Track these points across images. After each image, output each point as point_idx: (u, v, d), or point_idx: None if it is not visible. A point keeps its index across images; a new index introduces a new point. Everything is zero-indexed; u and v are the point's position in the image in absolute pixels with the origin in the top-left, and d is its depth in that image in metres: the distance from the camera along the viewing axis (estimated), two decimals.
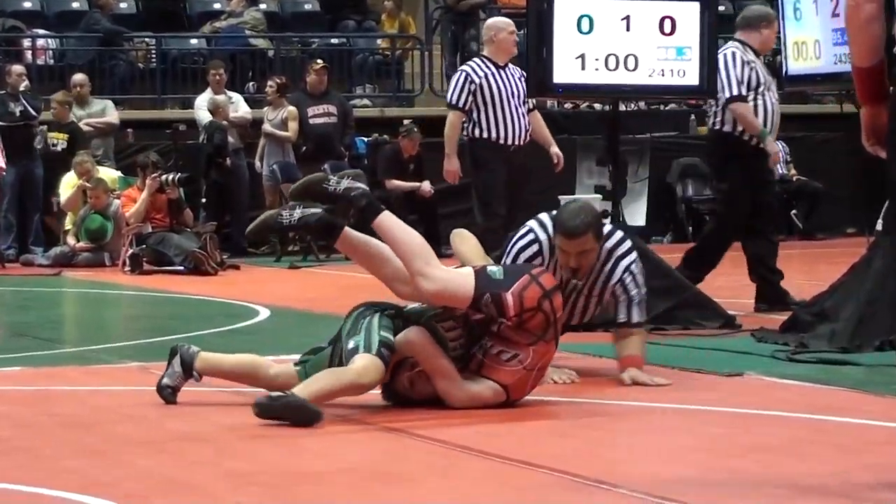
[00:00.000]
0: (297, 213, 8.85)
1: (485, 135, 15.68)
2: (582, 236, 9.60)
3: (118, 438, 8.55)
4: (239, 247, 22.44)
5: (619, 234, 10.21)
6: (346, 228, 9.18)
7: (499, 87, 15.51)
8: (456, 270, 9.11)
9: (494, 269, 9.17)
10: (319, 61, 24.28)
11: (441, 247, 20.71)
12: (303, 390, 8.88)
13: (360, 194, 8.98)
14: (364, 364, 8.96)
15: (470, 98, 15.54)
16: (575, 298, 10.02)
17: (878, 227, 12.79)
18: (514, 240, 10.23)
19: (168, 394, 9.33)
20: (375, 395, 9.32)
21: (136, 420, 9.26)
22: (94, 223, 21.09)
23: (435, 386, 9.00)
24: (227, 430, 8.80)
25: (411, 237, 9.15)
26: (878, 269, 11.54)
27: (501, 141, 15.61)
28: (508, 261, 10.09)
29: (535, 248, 10.03)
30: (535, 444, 8.55)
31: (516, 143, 15.64)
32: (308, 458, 8.09)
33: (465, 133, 16.16)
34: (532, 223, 10.20)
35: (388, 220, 9.09)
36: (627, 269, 10.02)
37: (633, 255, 10.13)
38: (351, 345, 9.10)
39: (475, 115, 15.68)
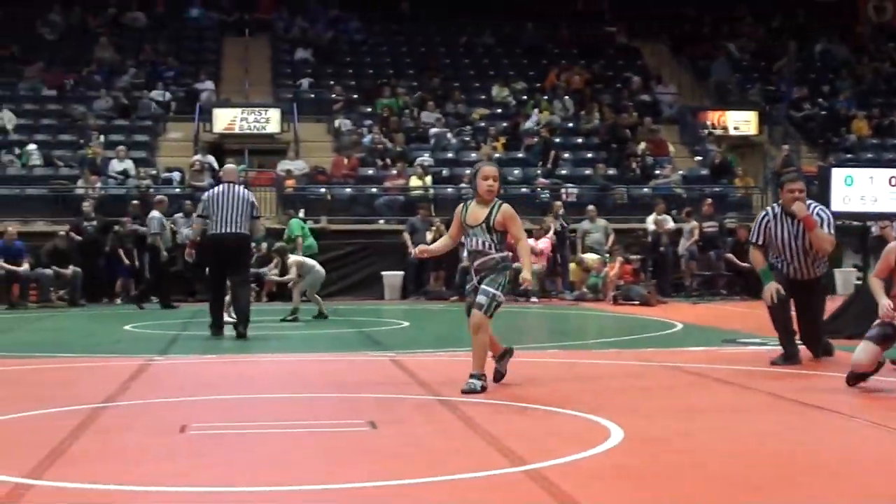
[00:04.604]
0: None
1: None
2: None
3: (609, 389, 8.31)
4: (665, 292, 21.98)
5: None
6: None
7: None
8: None
9: None
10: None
11: None
12: None
13: None
14: None
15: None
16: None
17: None
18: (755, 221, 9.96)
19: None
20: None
21: (630, 378, 9.06)
22: (591, 281, 21.14)
23: None
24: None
25: None
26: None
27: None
28: (756, 230, 9.75)
29: (766, 218, 9.77)
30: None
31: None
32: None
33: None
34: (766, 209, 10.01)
35: None
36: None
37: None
38: None
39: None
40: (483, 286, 7.76)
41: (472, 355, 7.88)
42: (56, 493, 4.85)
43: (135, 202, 22.06)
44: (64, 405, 7.35)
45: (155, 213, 19.90)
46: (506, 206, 7.93)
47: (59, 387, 8.63)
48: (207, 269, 14.04)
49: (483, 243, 7.82)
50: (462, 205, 8.12)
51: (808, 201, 9.75)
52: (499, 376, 8.28)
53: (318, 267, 16.74)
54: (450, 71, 31.44)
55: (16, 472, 5.14)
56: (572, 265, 21.99)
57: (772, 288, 9.51)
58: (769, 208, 10.06)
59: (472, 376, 7.81)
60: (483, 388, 7.77)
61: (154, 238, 19.76)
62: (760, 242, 9.80)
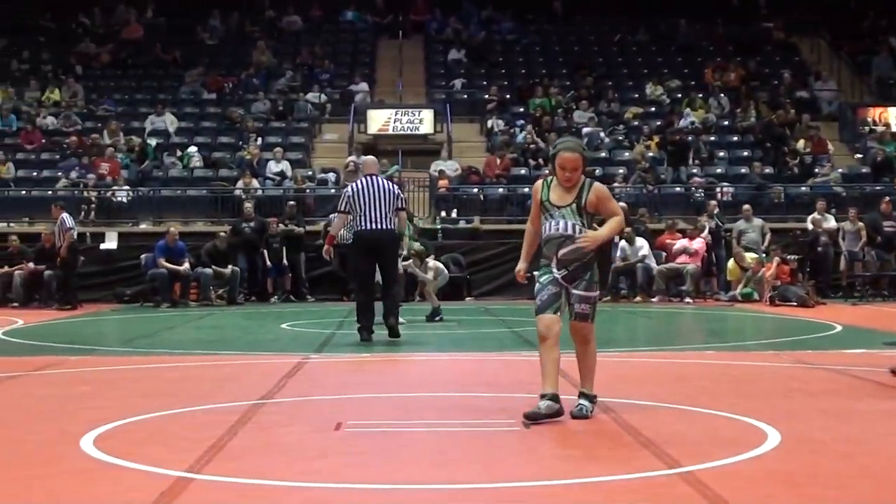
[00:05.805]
0: None
1: None
2: None
3: (766, 392, 8.18)
4: (824, 293, 21.41)
5: None
6: None
7: None
8: None
9: None
10: None
11: None
12: None
13: None
14: None
15: None
16: None
17: None
18: None
19: None
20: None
21: (788, 381, 8.94)
22: (744, 289, 20.80)
23: None
24: None
25: None
26: None
27: None
28: None
29: None
30: None
31: None
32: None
33: None
34: None
35: None
36: None
37: None
38: None
39: None
40: (580, 292, 6.87)
41: (582, 370, 6.95)
42: (215, 488, 4.97)
43: (291, 203, 22.48)
44: (223, 401, 7.54)
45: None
46: (598, 185, 6.91)
47: (220, 383, 8.84)
48: (354, 268, 13.28)
49: (573, 227, 6.76)
50: (542, 181, 7.01)
51: None
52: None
53: (447, 272, 17.12)
54: (603, 69, 31.24)
55: (178, 466, 5.29)
56: (729, 264, 21.60)
57: None
58: None
59: (582, 396, 6.91)
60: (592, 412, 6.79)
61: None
62: None
